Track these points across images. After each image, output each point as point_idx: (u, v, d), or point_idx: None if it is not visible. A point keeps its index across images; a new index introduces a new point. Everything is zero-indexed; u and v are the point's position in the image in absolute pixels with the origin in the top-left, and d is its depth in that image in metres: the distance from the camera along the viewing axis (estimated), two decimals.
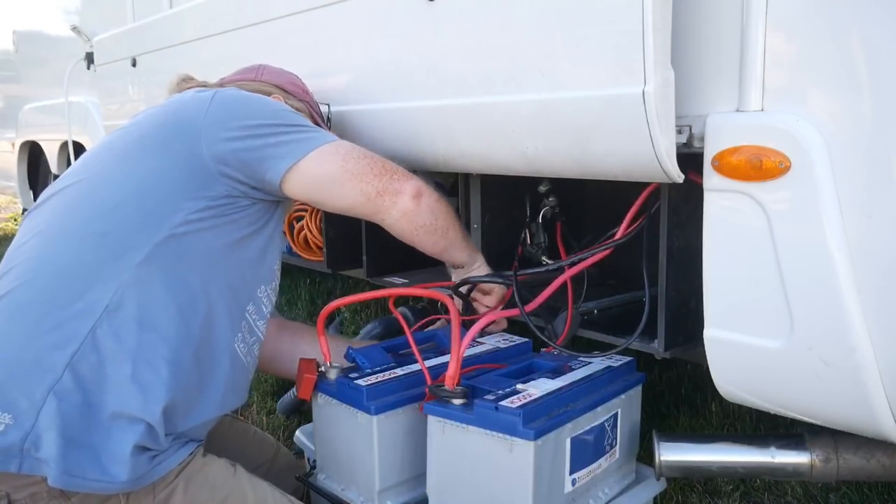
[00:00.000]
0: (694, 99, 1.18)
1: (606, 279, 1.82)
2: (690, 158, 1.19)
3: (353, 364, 1.42)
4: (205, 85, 1.53)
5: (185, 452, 1.21)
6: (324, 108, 1.71)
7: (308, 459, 1.53)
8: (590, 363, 1.39)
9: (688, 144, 1.18)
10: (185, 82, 1.55)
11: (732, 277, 1.17)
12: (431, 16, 1.46)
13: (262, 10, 1.94)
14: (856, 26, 1.02)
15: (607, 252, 1.43)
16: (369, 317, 2.99)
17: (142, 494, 1.16)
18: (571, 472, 1.22)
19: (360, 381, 1.30)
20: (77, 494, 1.12)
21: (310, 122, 1.41)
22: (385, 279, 2.06)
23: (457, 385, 1.21)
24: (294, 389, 1.64)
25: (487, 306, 1.56)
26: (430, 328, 1.66)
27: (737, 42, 1.12)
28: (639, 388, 1.43)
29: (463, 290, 1.55)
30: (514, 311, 1.46)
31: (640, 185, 1.36)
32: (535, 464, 1.12)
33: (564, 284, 1.48)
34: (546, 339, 1.45)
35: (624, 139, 1.17)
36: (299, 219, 2.32)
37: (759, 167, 1.09)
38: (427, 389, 1.26)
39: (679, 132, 1.17)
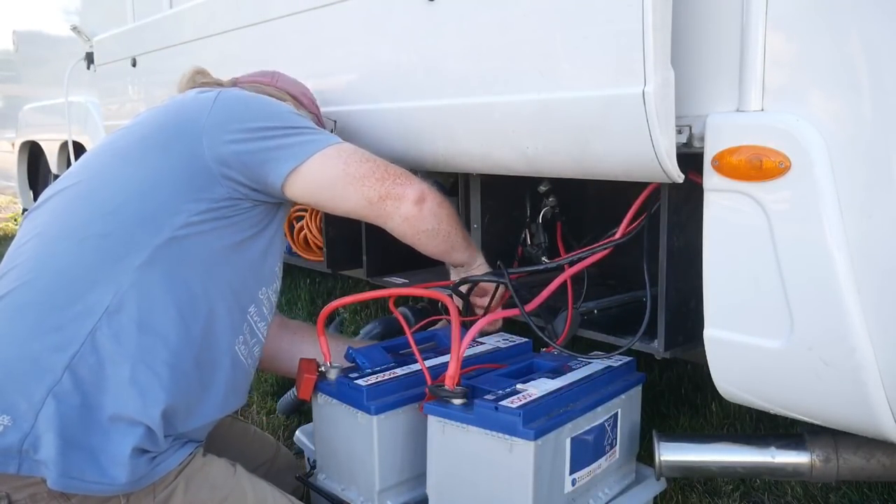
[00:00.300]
0: (694, 99, 1.18)
1: (606, 279, 1.82)
2: (690, 158, 1.19)
3: (353, 364, 1.42)
4: (219, 83, 1.52)
5: (185, 453, 1.21)
6: (329, 124, 1.70)
7: (308, 459, 1.53)
8: (590, 363, 1.39)
9: (688, 144, 1.18)
10: (200, 75, 1.54)
11: (732, 277, 1.17)
12: (431, 16, 1.46)
13: (261, 10, 1.94)
14: (856, 26, 1.02)
15: (607, 252, 1.43)
16: (369, 317, 2.99)
17: (142, 495, 1.15)
18: (571, 472, 1.22)
19: (360, 381, 1.30)
20: (77, 495, 1.12)
21: (313, 124, 1.40)
22: (385, 279, 2.06)
23: (457, 385, 1.21)
24: (294, 389, 1.64)
25: (482, 307, 1.56)
26: (431, 328, 1.66)
27: (737, 42, 1.12)
28: (639, 388, 1.43)
29: (463, 289, 1.55)
30: (514, 311, 1.46)
31: (640, 185, 1.36)
32: (535, 464, 1.12)
33: (564, 284, 1.48)
34: (546, 339, 1.45)
35: (624, 139, 1.17)
36: (299, 219, 2.32)
37: (759, 167, 1.09)
38: (427, 389, 1.26)
39: (679, 132, 1.17)
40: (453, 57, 1.45)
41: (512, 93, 1.32)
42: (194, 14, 2.30)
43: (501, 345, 1.54)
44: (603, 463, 1.31)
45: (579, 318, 1.50)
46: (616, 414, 1.33)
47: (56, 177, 3.25)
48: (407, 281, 2.03)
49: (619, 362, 1.41)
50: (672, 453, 1.33)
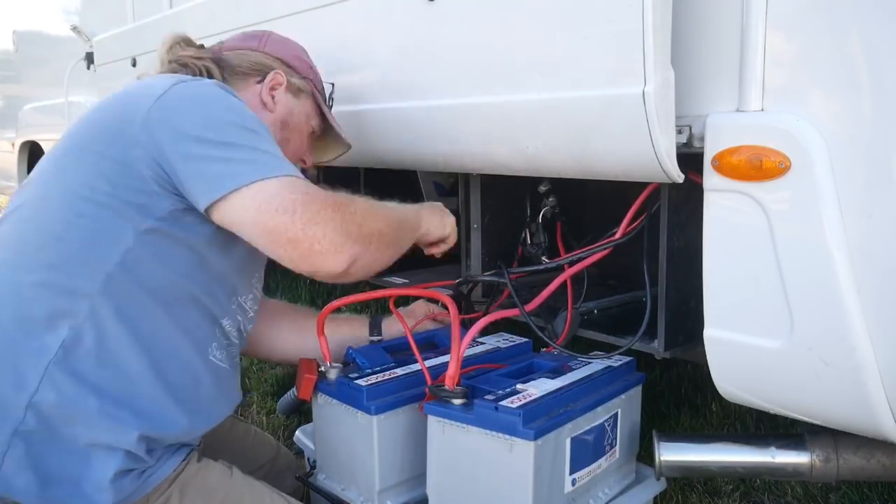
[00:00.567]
0: (694, 99, 1.18)
1: (606, 279, 1.81)
2: (690, 158, 1.19)
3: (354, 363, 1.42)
4: (198, 54, 1.38)
5: (178, 460, 1.17)
6: (328, 87, 1.58)
7: (308, 459, 1.53)
8: (590, 363, 1.39)
9: (688, 144, 1.18)
10: (180, 45, 1.38)
11: (732, 277, 1.17)
12: (431, 16, 1.46)
13: (261, 9, 1.94)
14: (856, 26, 1.02)
15: (607, 252, 1.43)
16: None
17: None
18: (571, 472, 1.22)
19: (360, 381, 1.30)
20: None
21: (267, 137, 1.17)
22: (385, 279, 2.06)
23: (457, 385, 1.21)
24: (294, 389, 1.64)
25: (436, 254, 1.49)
26: (430, 329, 1.65)
27: (737, 42, 1.12)
28: (639, 388, 1.43)
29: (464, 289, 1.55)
30: (514, 311, 1.46)
31: (640, 185, 1.36)
32: (535, 464, 1.12)
33: (564, 284, 1.48)
34: (546, 339, 1.45)
35: (624, 139, 1.17)
36: None
37: (759, 167, 1.09)
38: (427, 389, 1.26)
39: (679, 132, 1.17)
40: (453, 57, 1.45)
41: (512, 93, 1.32)
42: (194, 14, 2.30)
43: (501, 345, 1.54)
44: (603, 463, 1.31)
45: (579, 318, 1.50)
46: (616, 414, 1.33)
47: None
48: (407, 281, 2.03)
49: (619, 362, 1.41)
50: (672, 453, 1.33)
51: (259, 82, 1.41)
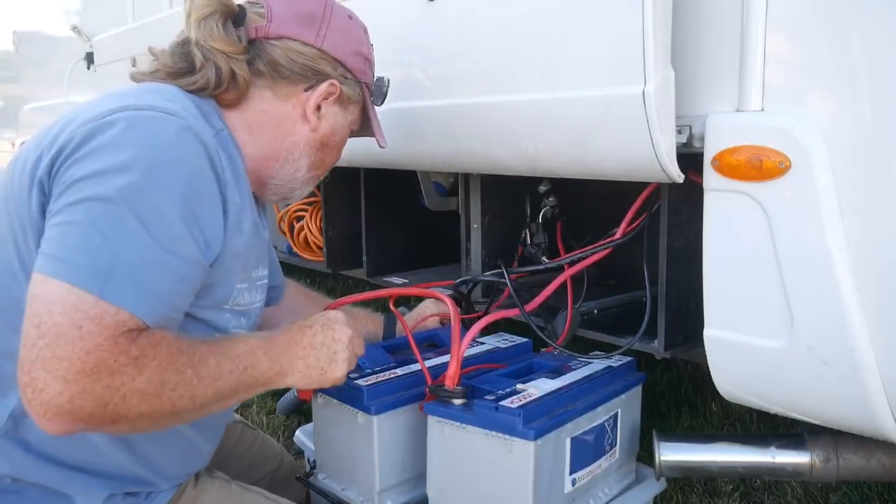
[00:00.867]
0: (694, 99, 1.18)
1: (606, 279, 1.82)
2: (690, 158, 1.19)
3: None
4: (228, 51, 1.08)
5: (172, 491, 1.12)
6: (383, 83, 1.32)
7: (308, 459, 1.53)
8: (590, 363, 1.39)
9: (688, 144, 1.18)
10: (215, 27, 1.07)
11: (732, 277, 1.17)
12: (431, 16, 1.46)
13: None
14: (856, 26, 1.02)
15: (607, 252, 1.43)
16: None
17: None
18: (571, 472, 1.22)
19: (360, 381, 1.30)
20: None
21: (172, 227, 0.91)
22: (385, 279, 2.06)
23: (457, 385, 1.21)
24: (294, 389, 1.64)
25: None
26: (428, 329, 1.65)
27: (737, 42, 1.12)
28: (639, 388, 1.42)
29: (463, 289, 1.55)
30: (514, 311, 1.46)
31: (640, 185, 1.36)
32: (535, 464, 1.12)
33: (564, 284, 1.48)
34: (546, 339, 1.45)
35: (624, 139, 1.17)
36: (299, 219, 2.32)
37: (759, 167, 1.09)
38: (427, 389, 1.26)
39: (679, 132, 1.17)
40: (453, 57, 1.45)
41: (512, 93, 1.32)
42: None
43: (501, 345, 1.54)
44: (603, 463, 1.31)
45: (579, 318, 1.50)
46: (616, 414, 1.33)
47: None
48: (407, 281, 2.03)
49: (619, 362, 1.41)
50: (672, 453, 1.33)
51: (308, 89, 1.15)
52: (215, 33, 1.08)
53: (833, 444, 1.25)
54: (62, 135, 0.94)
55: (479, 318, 1.45)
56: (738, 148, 1.11)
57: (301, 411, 2.19)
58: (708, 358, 1.24)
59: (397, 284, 2.01)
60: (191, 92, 1.08)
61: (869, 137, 1.02)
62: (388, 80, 1.31)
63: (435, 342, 1.54)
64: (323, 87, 1.15)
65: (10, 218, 0.98)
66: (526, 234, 1.76)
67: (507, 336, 1.60)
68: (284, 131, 1.15)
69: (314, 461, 1.46)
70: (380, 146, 1.33)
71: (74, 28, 3.45)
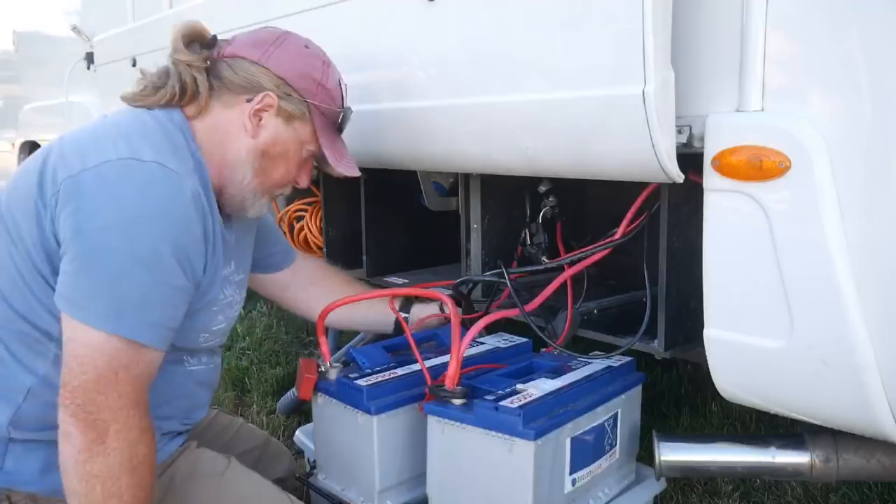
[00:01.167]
0: (694, 99, 1.18)
1: (606, 279, 1.82)
2: (690, 158, 1.19)
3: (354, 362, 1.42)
4: (189, 62, 1.27)
5: (174, 447, 1.24)
6: (346, 113, 1.40)
7: (308, 459, 1.53)
8: (590, 363, 1.39)
9: (688, 144, 1.18)
10: (182, 45, 1.28)
11: (732, 277, 1.17)
12: (431, 16, 1.45)
13: (261, 9, 1.94)
14: (856, 26, 1.02)
15: (607, 252, 1.43)
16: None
17: None
18: (571, 472, 1.22)
19: (360, 381, 1.30)
20: None
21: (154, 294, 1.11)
22: (385, 279, 2.06)
23: (457, 385, 1.21)
24: (294, 389, 1.65)
25: None
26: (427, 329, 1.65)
27: (737, 42, 1.12)
28: (639, 388, 1.43)
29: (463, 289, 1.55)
30: (514, 311, 1.46)
31: (640, 185, 1.36)
32: (535, 464, 1.12)
33: (564, 284, 1.48)
34: (546, 339, 1.45)
35: (624, 139, 1.17)
36: (299, 218, 2.32)
37: (759, 167, 1.09)
38: (427, 389, 1.26)
39: (679, 132, 1.17)
40: (453, 57, 1.45)
41: (512, 93, 1.32)
42: (194, 14, 2.29)
43: (501, 345, 1.54)
44: (603, 463, 1.31)
45: (579, 318, 1.50)
46: (616, 414, 1.33)
47: None
48: (407, 281, 2.03)
49: (619, 362, 1.41)
50: (672, 453, 1.33)
51: (249, 101, 1.26)
52: (180, 47, 1.27)
53: (833, 444, 1.25)
54: (59, 173, 1.12)
55: (479, 317, 1.45)
56: (738, 148, 1.11)
57: (301, 411, 2.19)
58: (708, 358, 1.24)
59: (397, 284, 2.01)
60: (163, 106, 1.25)
61: (869, 137, 1.02)
62: (349, 110, 1.40)
63: (435, 342, 1.54)
64: (259, 97, 1.26)
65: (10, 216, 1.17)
66: (526, 234, 1.76)
67: (507, 336, 1.60)
68: (231, 139, 1.27)
69: (314, 461, 1.46)
70: (334, 174, 1.36)
71: (74, 28, 3.45)
